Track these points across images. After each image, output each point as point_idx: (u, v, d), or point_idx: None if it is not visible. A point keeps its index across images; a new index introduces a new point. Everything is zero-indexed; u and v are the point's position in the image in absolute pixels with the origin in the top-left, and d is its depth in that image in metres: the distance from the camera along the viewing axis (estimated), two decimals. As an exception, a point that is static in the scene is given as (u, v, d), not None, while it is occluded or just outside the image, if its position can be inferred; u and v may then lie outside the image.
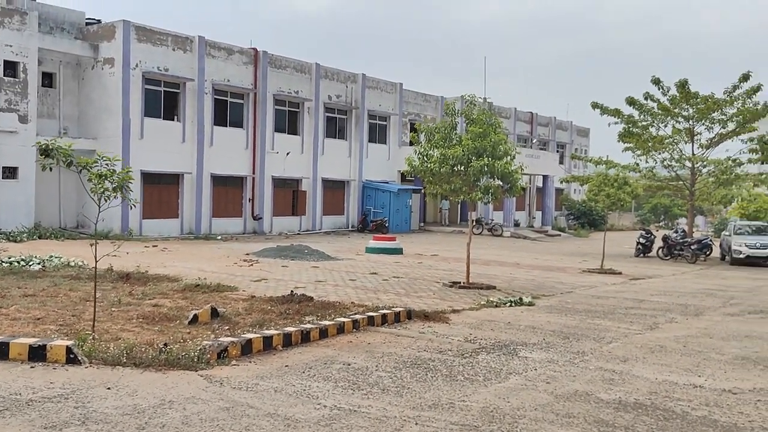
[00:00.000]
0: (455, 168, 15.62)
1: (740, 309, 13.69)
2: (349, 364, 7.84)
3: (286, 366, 7.66)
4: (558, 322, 11.35)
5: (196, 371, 7.20)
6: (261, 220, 32.53)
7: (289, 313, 10.56)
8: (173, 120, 29.48)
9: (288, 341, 8.68)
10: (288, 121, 34.42)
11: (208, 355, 7.61)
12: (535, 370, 7.92)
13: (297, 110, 34.68)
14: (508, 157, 15.68)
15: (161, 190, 29.03)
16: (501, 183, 15.78)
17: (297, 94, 34.24)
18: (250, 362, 7.74)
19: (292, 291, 12.61)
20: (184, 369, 7.23)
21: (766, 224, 28.81)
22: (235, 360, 7.74)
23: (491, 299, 13.51)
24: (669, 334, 10.53)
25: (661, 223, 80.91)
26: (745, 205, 31.79)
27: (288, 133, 34.20)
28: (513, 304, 13.26)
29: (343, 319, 9.90)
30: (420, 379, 7.33)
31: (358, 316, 10.24)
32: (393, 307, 11.53)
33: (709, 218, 63.40)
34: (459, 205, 46.95)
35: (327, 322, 9.64)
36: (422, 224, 43.14)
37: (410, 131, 37.36)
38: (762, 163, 32.43)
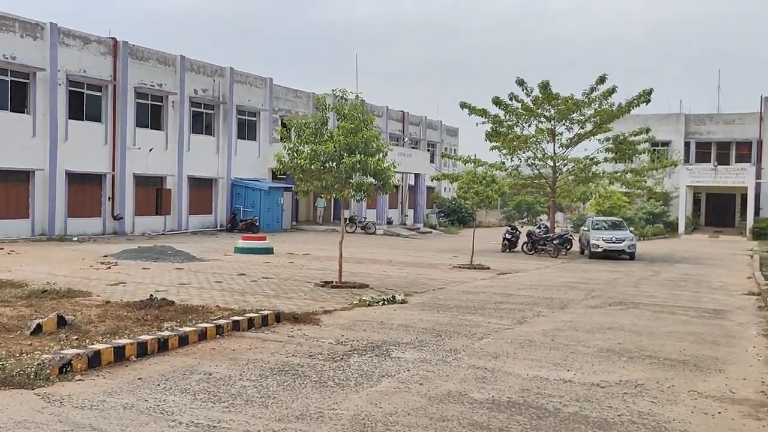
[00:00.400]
0: (327, 165, 15.23)
1: (601, 301, 14.17)
2: (210, 374, 7.25)
3: (140, 379, 6.97)
4: (430, 320, 11.21)
5: (33, 389, 6.38)
6: (122, 219, 30.73)
7: (147, 320, 9.78)
8: (23, 113, 27.23)
9: (143, 351, 7.96)
10: (151, 115, 32.72)
11: (48, 371, 6.79)
12: (408, 371, 7.65)
13: (161, 104, 33.05)
14: (381, 154, 15.47)
15: (9, 188, 26.72)
16: (374, 180, 15.54)
17: (161, 87, 32.62)
18: (98, 376, 6.98)
19: (151, 295, 11.76)
20: (18, 387, 6.40)
21: (620, 219, 30.45)
22: (81, 375, 6.96)
23: (364, 298, 13.22)
24: (537, 328, 10.64)
25: (524, 220, 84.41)
26: (601, 202, 33.39)
27: (151, 128, 32.52)
28: (386, 303, 13.04)
29: (205, 325, 9.25)
30: (287, 387, 6.87)
31: (222, 321, 9.61)
32: (261, 309, 10.97)
33: (568, 214, 66.61)
34: (332, 204, 46.69)
35: (188, 329, 8.96)
36: (294, 223, 42.48)
37: (281, 127, 36.69)
38: (616, 162, 34.34)
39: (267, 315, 10.36)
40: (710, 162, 52.17)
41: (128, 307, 10.75)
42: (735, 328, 11.24)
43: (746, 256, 31.78)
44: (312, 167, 15.22)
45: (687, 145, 54.55)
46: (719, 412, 6.40)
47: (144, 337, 8.22)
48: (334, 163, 15.13)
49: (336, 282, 15.53)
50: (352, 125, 15.13)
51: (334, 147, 14.87)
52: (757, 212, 49.91)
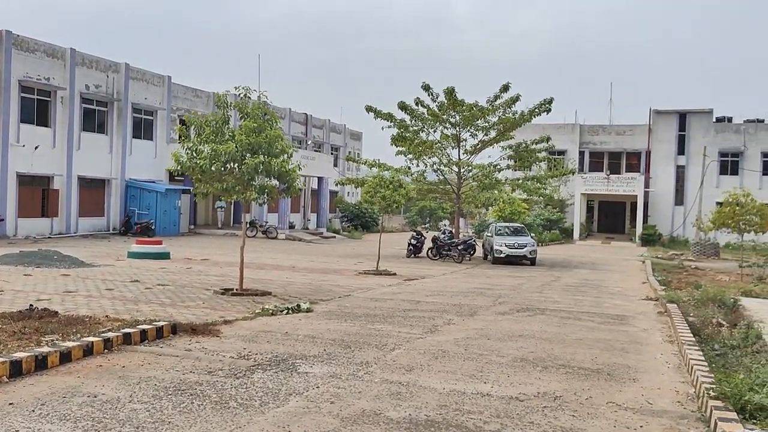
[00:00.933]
0: (228, 165, 14.46)
1: (509, 307, 14.08)
2: (95, 396, 6.45)
3: (11, 404, 6.10)
4: (338, 330, 10.70)
5: None
6: (3, 222, 28.55)
7: (24, 333, 8.79)
8: None
9: (17, 370, 7.05)
10: (37, 111, 30.63)
11: None
12: (318, 387, 7.11)
13: (48, 99, 30.99)
14: (285, 155, 14.85)
15: None
16: (277, 182, 14.89)
17: (48, 81, 30.60)
18: (-39, 402, 6.07)
19: (31, 305, 10.67)
20: None
21: (522, 226, 30.94)
22: (-61, 401, 6.03)
23: (267, 307, 12.55)
24: (449, 337, 10.32)
25: (426, 225, 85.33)
26: (503, 208, 33.83)
27: (37, 125, 30.45)
28: (291, 312, 12.42)
29: (92, 339, 8.37)
30: (184, 409, 6.19)
31: (111, 334, 8.74)
32: (155, 320, 10.13)
33: (470, 220, 67.73)
34: (233, 207, 45.36)
35: (71, 343, 8.06)
36: (193, 227, 41.01)
37: (180, 125, 35.25)
38: (515, 170, 34.97)
39: (162, 326, 9.55)
40: (603, 171, 54.28)
41: (4, 319, 9.67)
42: (640, 334, 11.33)
43: (638, 261, 33.03)
44: (212, 168, 14.40)
45: (581, 154, 56.53)
46: (641, 426, 6.21)
47: (19, 355, 7.30)
48: (236, 164, 14.39)
49: (237, 289, 14.77)
50: (255, 124, 14.43)
51: (236, 147, 14.13)
52: (645, 219, 52.28)
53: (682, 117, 54.67)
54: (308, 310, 12.66)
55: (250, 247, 32.42)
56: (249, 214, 46.21)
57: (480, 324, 11.72)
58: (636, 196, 51.52)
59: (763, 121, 54.35)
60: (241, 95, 14.87)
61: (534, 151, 30.30)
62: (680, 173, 54.64)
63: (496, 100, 29.20)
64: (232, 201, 14.94)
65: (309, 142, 50.87)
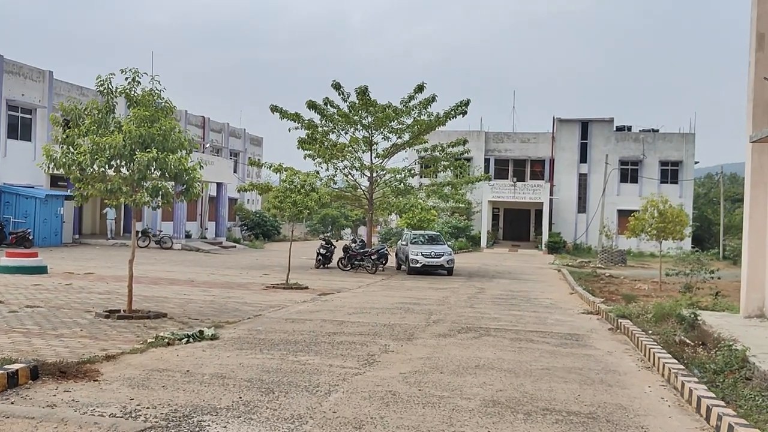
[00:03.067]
0: (113, 162, 12.00)
1: (447, 327, 12.30)
2: None
3: None
4: (254, 365, 8.55)
5: None
6: None
7: None
8: None
9: None
10: None
11: None
12: (238, 464, 5.00)
13: None
14: (184, 151, 12.53)
15: None
16: (174, 183, 12.54)
17: None
18: None
19: None
20: None
21: (438, 234, 29.50)
22: None
23: (162, 334, 10.20)
24: (393, 371, 8.38)
25: (329, 234, 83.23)
26: (417, 214, 32.13)
27: None
28: (192, 339, 10.13)
29: None
30: None
31: (-62, 387, 6.28)
32: (9, 360, 7.66)
33: (376, 228, 66.19)
34: (123, 214, 41.79)
35: None
36: (77, 237, 37.32)
37: (55, 114, 31.86)
38: (422, 176, 33.56)
39: (16, 370, 7.12)
40: (508, 178, 54.05)
41: None
42: (608, 359, 9.78)
43: (551, 269, 32.29)
44: (94, 165, 11.90)
45: (487, 161, 56.09)
46: None
47: None
48: (123, 161, 11.95)
49: (125, 311, 12.30)
50: (147, 113, 12.05)
51: (124, 140, 11.71)
52: (549, 227, 52.29)
53: (584, 125, 55.28)
54: (213, 337, 10.41)
55: (142, 259, 29.40)
56: (141, 222, 42.78)
57: (423, 351, 9.84)
58: (541, 203, 51.50)
59: (657, 130, 55.70)
60: (130, 78, 12.44)
61: (451, 155, 28.91)
62: (583, 181, 55.18)
63: (410, 101, 27.61)
64: (122, 207, 12.46)
65: (207, 146, 47.84)
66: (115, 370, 7.93)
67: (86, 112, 12.32)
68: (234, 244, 42.66)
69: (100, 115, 12.30)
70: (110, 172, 12.34)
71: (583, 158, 54.94)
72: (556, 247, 49.73)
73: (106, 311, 12.45)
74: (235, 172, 51.32)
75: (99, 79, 12.53)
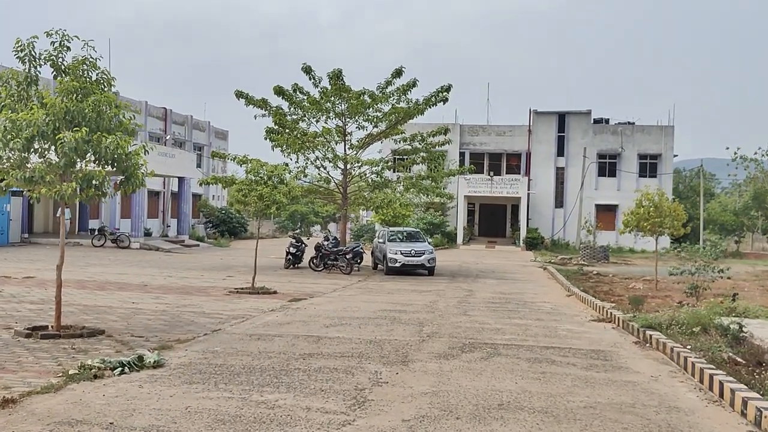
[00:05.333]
0: (35, 144, 9.70)
1: (446, 344, 10.20)
2: None
3: None
4: (205, 409, 6.36)
5: None
6: None
7: None
8: None
9: None
10: None
11: None
12: None
13: None
14: (124, 133, 10.26)
15: None
16: (112, 170, 10.24)
17: None
18: None
19: None
20: None
21: (417, 230, 27.47)
22: None
23: (90, 363, 7.94)
24: (393, 418, 6.25)
25: (298, 231, 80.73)
26: (391, 210, 29.90)
27: None
28: (128, 368, 7.90)
29: None
30: None
31: None
32: None
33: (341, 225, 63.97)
34: (78, 210, 39.06)
35: None
36: (27, 235, 34.58)
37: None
38: (395, 171, 31.45)
39: None
40: (483, 172, 52.16)
41: None
42: (659, 389, 7.77)
43: (535, 267, 30.48)
44: (10, 147, 9.57)
45: (462, 155, 54.11)
46: None
47: None
48: (48, 142, 9.65)
49: (52, 328, 10.01)
50: (77, 84, 9.75)
51: (47, 116, 9.40)
52: (527, 222, 50.58)
53: (561, 118, 53.68)
54: (156, 364, 8.18)
55: (94, 260, 26.89)
56: (98, 219, 40.06)
57: (425, 381, 7.73)
58: (519, 198, 49.77)
59: (633, 123, 54.32)
60: (57, 43, 10.12)
61: (432, 145, 26.84)
62: (560, 175, 53.56)
63: (387, 87, 25.45)
64: (63, 199, 10.08)
65: (167, 138, 45.19)
66: (6, 425, 5.68)
67: (1, 84, 9.98)
68: (197, 242, 40.15)
69: (20, 88, 9.98)
70: (35, 158, 10.04)
71: (561, 151, 53.34)
72: (534, 243, 48.06)
73: (28, 328, 10.14)
74: (199, 166, 48.71)
75: (18, 44, 10.18)
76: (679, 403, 7.03)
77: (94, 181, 9.90)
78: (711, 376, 7.55)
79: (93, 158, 9.85)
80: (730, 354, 9.16)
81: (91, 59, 10.31)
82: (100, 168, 9.90)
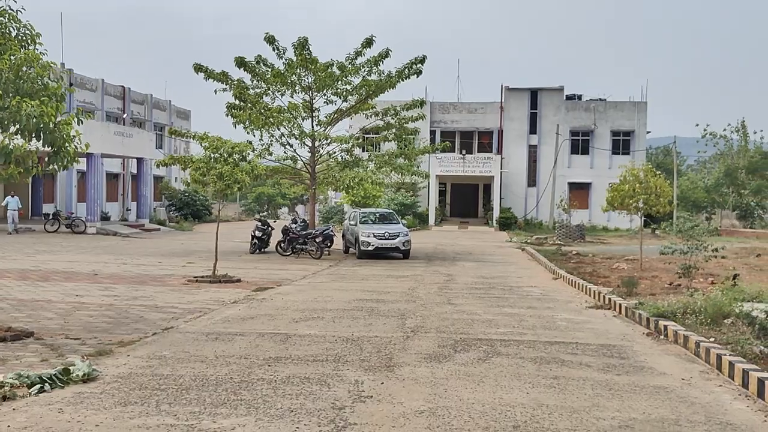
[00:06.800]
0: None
1: (436, 341, 8.83)
2: None
3: None
4: (139, 444, 4.91)
5: None
6: None
7: None
8: None
9: None
10: None
11: None
12: None
13: None
14: (52, 99, 8.63)
15: None
16: (38, 143, 8.61)
17: None
18: None
19: None
20: None
21: (391, 212, 26.07)
22: None
23: (1, 378, 6.41)
24: (383, 450, 4.87)
25: (264, 214, 78.73)
26: (362, 190, 28.25)
27: None
28: (50, 385, 6.38)
29: None
30: None
31: None
32: None
33: (307, 207, 62.32)
34: (30, 193, 36.90)
35: None
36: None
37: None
38: (364, 149, 29.95)
39: None
40: (454, 151, 50.82)
41: None
42: (699, 397, 6.48)
43: (513, 249, 29.34)
44: None
45: (432, 133, 52.70)
46: None
47: None
48: (-47, 110, 8.00)
49: (-32, 331, 8.42)
50: (-11, 39, 8.10)
51: (-50, 77, 7.76)
52: (499, 202, 49.51)
53: (534, 94, 52.51)
54: (87, 378, 6.67)
55: (44, 247, 25.01)
56: (52, 203, 37.91)
57: (417, 394, 6.33)
58: (491, 177, 48.60)
59: (605, 100, 53.36)
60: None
61: (405, 120, 25.36)
62: (533, 153, 52.50)
63: (357, 58, 23.85)
64: (28, 188, 8.51)
65: (125, 116, 43.04)
66: None
67: None
68: (158, 226, 38.29)
69: None
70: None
71: (533, 129, 52.24)
72: (507, 223, 47.02)
73: (-61, 332, 8.53)
74: (160, 147, 46.66)
75: None
76: (731, 418, 5.75)
77: (11, 156, 8.26)
78: (762, 381, 6.27)
79: (15, 128, 8.22)
80: (762, 348, 7.94)
81: (9, 10, 8.65)
82: (22, 141, 8.27)
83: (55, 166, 8.66)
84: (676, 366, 7.64)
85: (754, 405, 6.13)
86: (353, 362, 7.50)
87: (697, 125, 61.14)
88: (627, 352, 8.31)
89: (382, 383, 6.62)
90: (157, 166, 24.31)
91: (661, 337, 9.24)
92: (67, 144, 8.47)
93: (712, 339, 8.46)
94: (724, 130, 69.10)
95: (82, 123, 8.99)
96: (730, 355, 7.35)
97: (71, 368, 6.71)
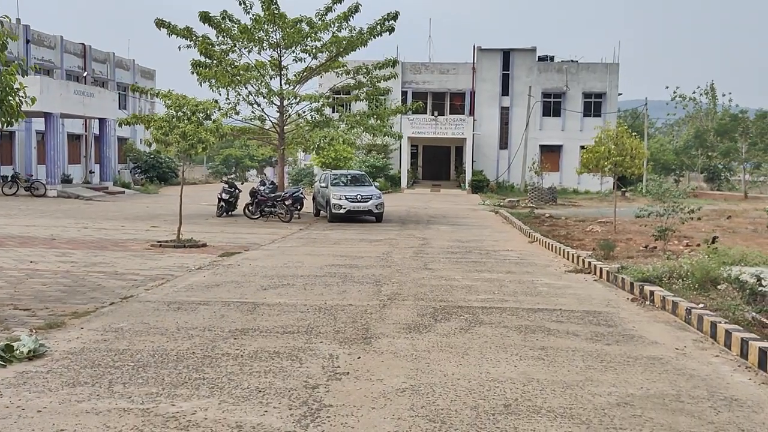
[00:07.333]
0: None
1: (414, 309, 8.33)
2: None
3: None
4: (90, 426, 4.35)
5: None
6: None
7: None
8: None
9: None
10: None
11: None
12: None
13: None
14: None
15: None
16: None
17: None
18: None
19: None
20: None
21: (363, 173, 25.42)
22: None
23: (-66, 356, 5.77)
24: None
25: (233, 176, 77.43)
26: (332, 151, 27.44)
27: None
28: (-10, 362, 5.76)
29: None
30: None
31: None
32: None
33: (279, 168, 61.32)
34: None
35: None
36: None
37: None
38: (334, 110, 29.20)
39: None
40: (426, 112, 50.13)
41: None
42: (696, 368, 6.08)
43: (487, 212, 28.99)
44: None
45: (404, 94, 51.85)
46: None
47: None
48: None
49: None
50: None
51: None
52: (471, 164, 49.12)
53: (506, 55, 51.82)
54: (34, 354, 6.05)
55: (1, 211, 24.08)
56: (11, 165, 36.53)
57: (398, 369, 5.83)
58: (464, 139, 48.10)
59: (577, 62, 52.88)
60: None
61: (377, 79, 24.62)
62: (505, 115, 52.02)
63: (327, 14, 22.95)
64: None
65: (85, 75, 41.53)
66: None
67: None
68: (122, 189, 37.24)
69: None
70: None
71: (505, 90, 51.67)
72: (479, 185, 46.72)
73: None
74: (124, 108, 45.25)
75: None
76: (735, 392, 5.35)
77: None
78: (764, 352, 5.88)
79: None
80: (754, 314, 7.59)
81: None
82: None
83: (-2, 122, 7.89)
84: (668, 334, 7.25)
85: (757, 377, 5.75)
86: (327, 334, 6.98)
87: (667, 87, 61.22)
88: (614, 320, 7.91)
89: (359, 357, 6.11)
90: (119, 125, 23.28)
91: (647, 302, 8.87)
92: (10, 97, 7.70)
93: (701, 305, 8.10)
94: (693, 92, 69.39)
95: (26, 75, 8.20)
96: (726, 324, 6.97)
97: (15, 344, 6.09)
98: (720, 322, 7.00)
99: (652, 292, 8.88)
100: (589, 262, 11.99)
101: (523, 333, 7.12)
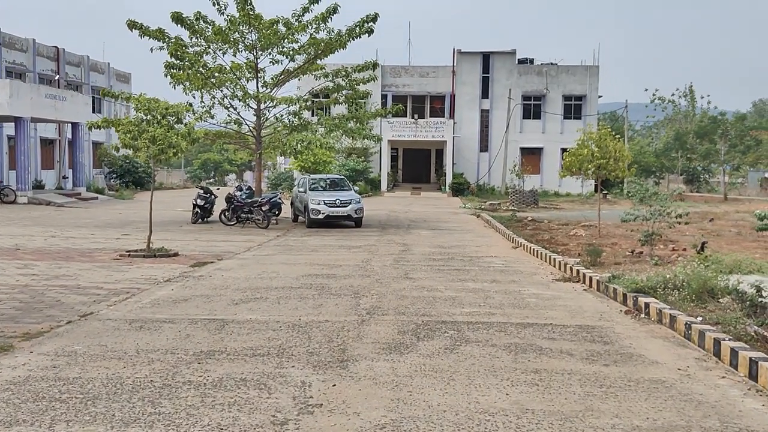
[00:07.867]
0: None
1: (394, 326, 7.77)
2: None
3: None
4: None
5: None
6: None
7: None
8: None
9: None
10: None
11: None
12: None
13: None
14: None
15: None
16: None
17: None
18: None
19: None
20: None
21: (342, 177, 24.84)
22: None
23: None
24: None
25: (211, 180, 76.44)
26: (311, 155, 26.86)
27: None
28: None
29: None
30: None
31: None
32: None
33: (263, 172, 60.49)
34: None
35: None
36: None
37: None
38: (313, 113, 28.65)
39: None
40: (406, 115, 49.66)
41: None
42: (705, 393, 5.58)
43: (468, 215, 28.54)
44: None
45: (384, 97, 51.40)
46: None
47: None
48: None
49: None
50: None
51: None
52: (452, 167, 48.69)
53: (486, 58, 51.54)
54: (-28, 386, 5.42)
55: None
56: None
57: (376, 400, 5.27)
58: (444, 142, 47.70)
59: (556, 64, 52.71)
60: None
61: (356, 82, 24.06)
62: (485, 117, 51.70)
63: (304, 15, 22.37)
64: None
65: (57, 78, 40.56)
66: None
67: None
68: (96, 195, 36.34)
69: None
70: None
71: (485, 93, 51.36)
72: (460, 188, 46.32)
73: None
74: (99, 112, 44.27)
75: None
76: (750, 422, 4.85)
77: None
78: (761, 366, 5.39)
79: None
80: (756, 328, 7.12)
81: None
82: None
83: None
84: (668, 352, 6.76)
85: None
86: (300, 356, 6.40)
87: (646, 90, 61.32)
88: (609, 336, 7.41)
89: (334, 385, 5.54)
90: (90, 128, 22.48)
91: (642, 315, 8.39)
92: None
93: (700, 318, 7.62)
94: (672, 95, 69.55)
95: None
96: (728, 339, 6.48)
97: (-51, 375, 5.45)
98: (723, 339, 6.51)
99: (647, 305, 8.39)
100: (578, 270, 11.51)
101: (514, 353, 6.59)
